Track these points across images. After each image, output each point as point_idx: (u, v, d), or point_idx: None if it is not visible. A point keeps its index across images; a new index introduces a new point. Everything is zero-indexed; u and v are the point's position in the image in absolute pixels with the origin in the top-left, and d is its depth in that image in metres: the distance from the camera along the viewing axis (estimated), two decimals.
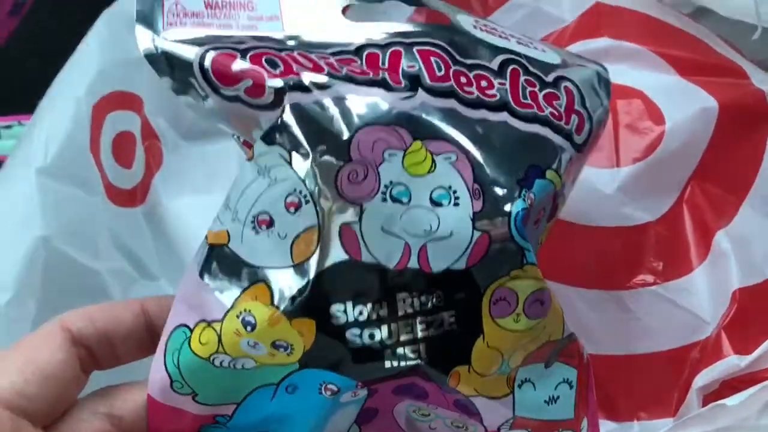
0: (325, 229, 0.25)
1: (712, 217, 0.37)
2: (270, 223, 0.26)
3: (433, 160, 0.26)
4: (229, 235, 0.26)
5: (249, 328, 0.25)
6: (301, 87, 0.26)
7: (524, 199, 0.27)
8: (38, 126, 0.38)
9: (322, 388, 0.26)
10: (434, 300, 0.26)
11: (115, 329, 0.27)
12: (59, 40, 0.50)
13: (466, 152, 0.27)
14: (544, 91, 0.30)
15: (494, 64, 0.29)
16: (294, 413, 0.27)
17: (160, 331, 0.27)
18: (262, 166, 0.26)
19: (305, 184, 0.26)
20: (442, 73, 0.28)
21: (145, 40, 0.27)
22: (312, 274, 0.25)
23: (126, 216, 0.40)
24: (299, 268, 0.25)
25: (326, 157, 0.26)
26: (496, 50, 0.30)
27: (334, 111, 0.26)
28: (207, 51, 0.26)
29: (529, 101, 0.29)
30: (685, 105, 0.38)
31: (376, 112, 0.26)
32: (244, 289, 0.26)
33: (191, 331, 0.26)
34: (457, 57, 0.29)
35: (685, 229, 0.37)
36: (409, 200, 0.26)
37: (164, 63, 0.27)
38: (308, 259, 0.25)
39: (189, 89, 0.27)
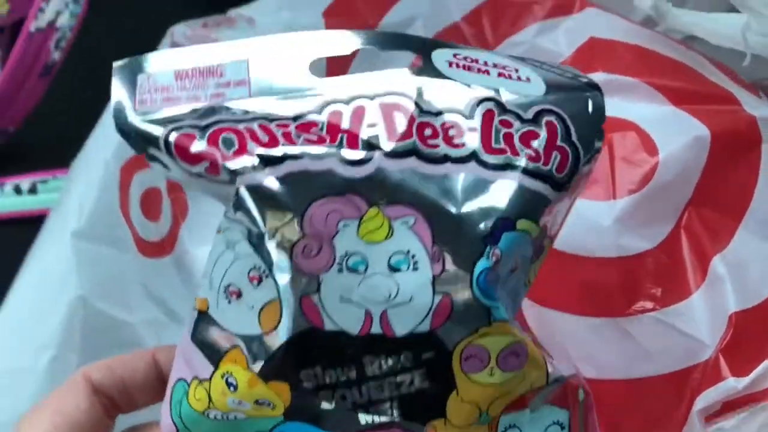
0: (285, 301, 0.26)
1: (708, 242, 0.38)
2: (239, 295, 0.27)
3: (390, 226, 0.27)
4: (208, 303, 0.28)
5: (232, 389, 0.27)
6: (254, 166, 0.27)
7: (489, 257, 0.26)
8: (71, 190, 0.41)
9: None
10: (402, 360, 0.27)
11: (130, 378, 0.30)
12: (90, 98, 0.53)
13: (427, 213, 0.27)
14: (521, 131, 0.28)
15: (466, 108, 0.28)
16: None
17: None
18: (228, 240, 0.28)
19: (263, 261, 0.27)
20: (404, 129, 0.27)
21: (118, 117, 0.28)
22: (279, 342, 0.26)
23: (156, 266, 0.43)
24: (268, 336, 0.27)
25: (281, 233, 0.26)
26: (470, 90, 0.29)
27: (287, 187, 0.27)
28: (170, 132, 0.27)
29: (502, 146, 0.28)
30: (677, 134, 0.39)
31: (331, 183, 0.27)
32: (225, 352, 0.27)
33: (188, 385, 0.28)
34: (424, 107, 0.28)
35: (683, 254, 0.38)
36: (366, 269, 0.26)
37: (137, 140, 0.28)
38: (275, 328, 0.26)
39: (161, 165, 0.28)
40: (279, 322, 0.26)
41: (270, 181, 0.27)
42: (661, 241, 0.39)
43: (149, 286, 0.41)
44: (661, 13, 0.43)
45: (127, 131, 0.28)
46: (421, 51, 0.30)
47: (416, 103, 0.28)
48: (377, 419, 0.27)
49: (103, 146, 0.42)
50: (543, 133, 0.28)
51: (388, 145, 0.27)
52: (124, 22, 0.55)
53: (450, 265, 0.26)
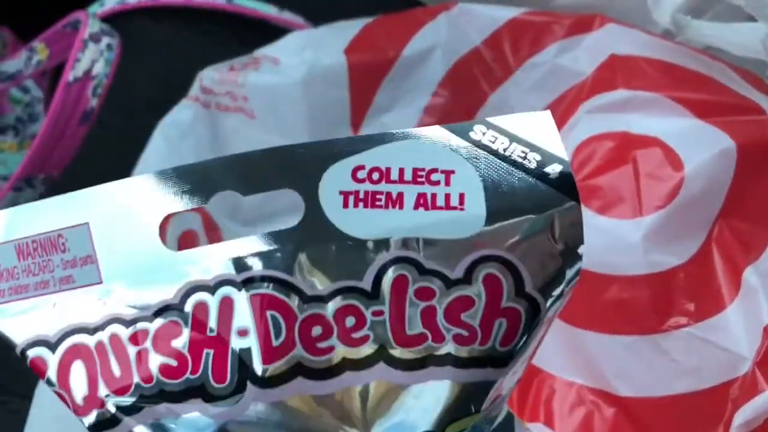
0: None
1: (740, 254, 0.38)
2: None
3: None
4: None
5: None
6: (112, 419, 0.22)
7: None
8: None
9: None
10: None
11: None
12: (127, 140, 0.55)
13: None
14: (446, 301, 0.21)
15: (368, 279, 0.21)
16: None
17: None
18: None
19: None
20: (282, 339, 0.21)
21: None
22: None
23: None
24: None
25: None
26: (374, 247, 0.21)
27: None
28: (25, 348, 0.22)
29: (420, 330, 0.21)
30: (703, 148, 0.39)
31: (199, 428, 0.21)
32: None
33: None
34: (308, 292, 0.21)
35: (715, 268, 0.38)
36: None
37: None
38: None
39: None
40: None
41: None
42: (691, 255, 0.39)
43: None
44: (680, 26, 0.43)
45: None
46: (305, 185, 0.21)
47: (298, 291, 0.21)
48: None
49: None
50: (480, 298, 0.21)
51: (262, 369, 0.21)
52: (157, 65, 0.56)
53: None
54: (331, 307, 0.21)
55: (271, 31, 0.52)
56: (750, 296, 0.37)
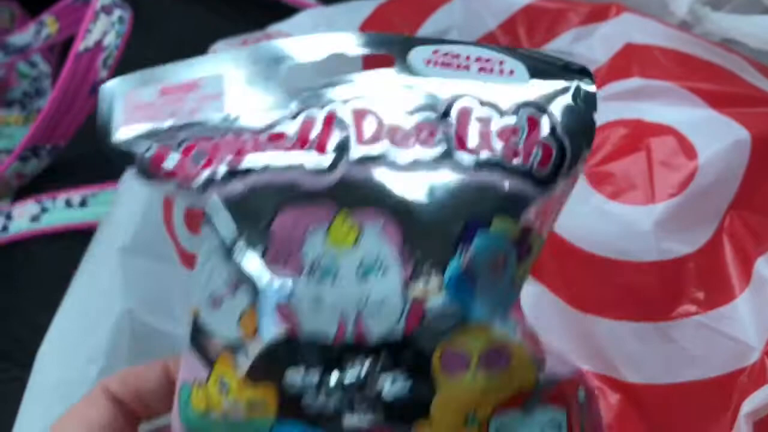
0: (260, 308, 0.27)
1: (752, 245, 0.38)
2: (219, 304, 0.28)
3: (358, 231, 0.26)
4: (198, 311, 0.29)
5: (225, 390, 0.28)
6: (223, 178, 0.27)
7: (460, 258, 0.26)
8: (118, 207, 0.42)
9: None
10: (381, 363, 0.26)
11: (143, 387, 0.31)
12: None
13: (396, 217, 0.26)
14: (498, 127, 0.28)
15: (441, 106, 0.28)
16: None
17: None
18: (207, 250, 0.28)
19: (236, 271, 0.27)
20: (373, 134, 0.27)
21: (101, 137, 0.29)
22: (259, 348, 0.27)
23: None
24: (249, 341, 0.27)
25: (249, 245, 0.27)
26: (446, 88, 0.28)
27: (254, 197, 0.27)
28: (147, 150, 0.28)
29: (478, 143, 0.27)
30: (717, 138, 0.39)
31: (297, 192, 0.27)
32: (217, 356, 0.28)
33: (191, 388, 0.29)
34: (396, 109, 0.28)
35: (726, 258, 0.38)
36: (336, 276, 0.26)
37: (120, 157, 0.29)
38: (254, 334, 0.27)
39: (143, 178, 0.29)
40: (257, 329, 0.27)
41: (238, 191, 0.27)
42: (702, 245, 0.38)
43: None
44: (697, 17, 0.43)
45: (109, 149, 0.29)
46: (397, 51, 0.29)
47: (387, 106, 0.28)
48: (362, 422, 0.27)
49: None
50: (523, 129, 0.27)
51: (356, 151, 0.27)
52: (168, 39, 0.56)
53: (421, 268, 0.26)
54: (411, 120, 0.28)
55: (282, 11, 0.52)
56: (761, 287, 0.37)
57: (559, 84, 0.28)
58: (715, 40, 0.44)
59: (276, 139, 0.28)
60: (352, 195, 0.27)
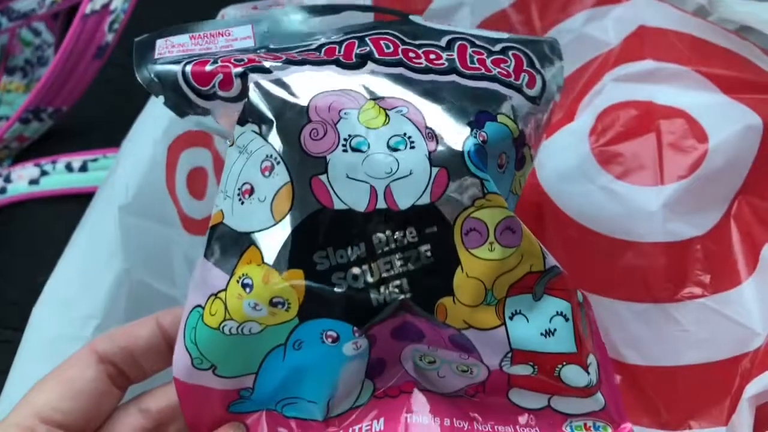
0: (297, 183, 0.28)
1: (759, 231, 0.38)
2: (251, 191, 0.29)
3: (387, 115, 0.29)
4: (223, 213, 0.30)
5: (248, 290, 0.29)
6: (261, 69, 0.30)
7: (476, 137, 0.29)
8: (120, 167, 0.41)
9: (323, 337, 0.29)
10: (408, 236, 0.29)
11: (134, 344, 0.31)
12: (139, 83, 0.54)
13: (418, 104, 0.30)
14: (491, 58, 0.32)
15: (443, 42, 0.32)
16: (305, 369, 0.30)
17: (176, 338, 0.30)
18: (241, 146, 0.30)
19: (274, 149, 0.29)
20: (391, 50, 0.31)
21: (141, 72, 0.31)
22: (291, 227, 0.28)
23: (200, 243, 0.43)
24: (281, 224, 0.28)
25: (289, 122, 0.29)
26: (445, 33, 0.33)
27: (291, 84, 0.30)
28: (187, 63, 0.31)
29: (477, 66, 0.32)
30: (729, 123, 0.39)
31: (330, 83, 0.30)
32: (241, 255, 0.29)
33: (203, 308, 0.29)
34: (407, 39, 0.32)
35: (733, 242, 0.38)
36: (368, 148, 0.29)
37: (157, 84, 0.31)
38: (287, 214, 0.28)
39: (180, 101, 0.31)
40: (291, 206, 0.28)
41: (278, 78, 0.30)
42: (709, 228, 0.38)
43: (193, 260, 0.41)
44: (713, 2, 0.42)
45: (147, 75, 0.31)
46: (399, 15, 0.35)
47: (400, 38, 0.32)
48: (388, 299, 0.29)
49: (151, 125, 0.42)
50: (511, 60, 0.33)
51: (378, 57, 0.31)
52: (176, 9, 0.55)
53: (443, 143, 0.29)
54: (422, 49, 0.32)
55: None
56: (767, 273, 0.37)
57: (532, 39, 0.35)
58: (730, 28, 0.43)
59: (308, 54, 0.31)
60: (378, 88, 0.30)
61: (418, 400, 0.31)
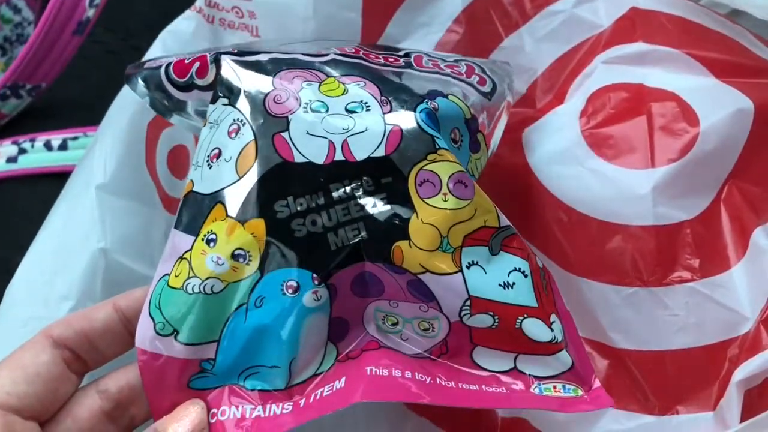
0: (260, 140, 0.31)
1: (749, 216, 0.37)
2: (219, 154, 0.31)
3: (346, 87, 0.32)
4: (193, 183, 0.31)
5: (212, 245, 0.30)
6: (233, 52, 0.33)
7: (427, 104, 0.32)
8: (98, 145, 0.40)
9: (284, 288, 0.30)
10: (365, 185, 0.31)
11: (90, 328, 0.30)
12: (121, 55, 0.53)
13: (374, 81, 0.33)
14: (445, 63, 0.36)
15: (401, 53, 0.36)
16: (267, 329, 0.30)
17: (135, 322, 0.30)
18: (212, 121, 0.32)
19: (241, 112, 0.31)
20: (352, 51, 0.35)
21: (132, 83, 0.35)
22: (255, 179, 0.30)
23: None
24: (244, 178, 0.30)
25: (255, 90, 0.32)
26: (404, 49, 0.37)
27: (259, 62, 0.33)
28: (170, 62, 0.34)
29: (431, 66, 0.35)
30: (720, 106, 0.38)
31: (296, 62, 0.33)
32: (207, 215, 0.30)
33: (170, 274, 0.30)
34: (369, 49, 0.36)
35: (722, 227, 0.37)
36: (327, 110, 0.31)
37: (143, 87, 0.35)
38: (250, 168, 0.30)
39: (163, 98, 0.34)
40: (254, 162, 0.30)
41: (246, 60, 0.33)
42: (699, 212, 0.38)
43: None
44: None
45: (135, 82, 0.35)
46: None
47: (362, 47, 0.36)
48: (345, 242, 0.30)
49: (130, 102, 0.41)
50: (463, 66, 0.36)
51: (339, 53, 0.34)
52: None
53: (396, 107, 0.32)
54: (381, 56, 0.36)
55: None
56: (756, 257, 0.37)
57: (485, 59, 0.39)
58: (722, 11, 0.43)
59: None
60: (339, 69, 0.33)
61: (380, 355, 0.31)
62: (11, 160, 0.49)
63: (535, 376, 0.31)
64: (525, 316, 0.30)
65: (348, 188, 0.30)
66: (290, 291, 0.30)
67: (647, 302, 0.36)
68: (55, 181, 0.48)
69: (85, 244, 0.38)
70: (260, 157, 0.30)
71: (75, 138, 0.49)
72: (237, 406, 0.30)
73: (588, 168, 0.38)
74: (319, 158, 0.30)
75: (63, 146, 0.49)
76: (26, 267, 0.38)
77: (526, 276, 0.31)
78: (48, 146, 0.49)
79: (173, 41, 0.42)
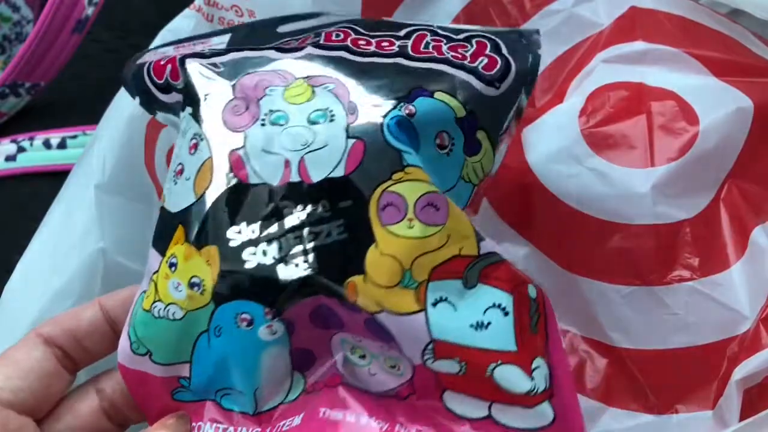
0: (216, 158, 0.29)
1: (749, 215, 0.37)
2: (182, 171, 0.30)
3: (313, 91, 0.29)
4: (164, 197, 0.30)
5: (173, 269, 0.28)
6: (200, 55, 0.31)
7: (400, 110, 0.28)
8: (97, 144, 0.40)
9: (238, 320, 0.28)
10: (320, 210, 0.27)
11: (77, 327, 0.31)
12: (121, 54, 0.53)
13: (347, 81, 0.29)
14: (449, 44, 0.31)
15: (401, 33, 0.32)
16: (228, 357, 0.29)
17: (120, 322, 0.30)
18: (182, 131, 0.31)
19: (200, 127, 0.29)
20: (340, 38, 0.31)
21: (125, 84, 0.34)
22: (209, 202, 0.28)
23: None
24: (200, 200, 0.29)
25: (214, 100, 0.30)
26: (409, 26, 0.33)
27: (225, 66, 0.30)
28: (151, 62, 0.32)
29: (429, 51, 0.31)
30: (720, 105, 0.38)
31: (264, 63, 0.30)
32: (172, 236, 0.29)
33: (145, 293, 0.29)
34: (363, 31, 0.32)
35: (722, 226, 0.37)
36: (287, 122, 0.29)
37: (132, 85, 0.33)
38: (206, 189, 0.28)
39: (149, 98, 0.33)
40: (210, 182, 0.28)
41: (212, 64, 0.31)
42: (699, 211, 0.38)
43: None
44: None
45: (127, 79, 0.34)
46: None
47: (355, 29, 0.32)
48: (294, 276, 0.27)
49: (129, 101, 0.41)
50: (472, 45, 0.31)
51: (321, 43, 0.31)
52: None
53: (363, 116, 0.28)
54: (375, 39, 0.32)
55: None
56: (756, 257, 0.37)
57: (506, 29, 0.34)
58: (722, 10, 0.43)
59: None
60: (311, 68, 0.30)
61: (339, 395, 0.29)
62: (10, 158, 0.50)
63: (512, 428, 0.27)
64: (498, 362, 0.26)
65: (302, 214, 0.27)
66: (244, 324, 0.28)
67: (647, 301, 0.36)
68: (54, 179, 0.48)
69: (83, 243, 0.38)
70: (215, 177, 0.28)
71: (74, 137, 0.49)
72: (212, 424, 0.29)
73: (587, 167, 0.38)
74: (274, 179, 0.28)
75: (62, 145, 0.49)
76: (25, 266, 0.38)
77: (506, 314, 0.27)
78: (47, 145, 0.49)
79: (172, 40, 0.42)
